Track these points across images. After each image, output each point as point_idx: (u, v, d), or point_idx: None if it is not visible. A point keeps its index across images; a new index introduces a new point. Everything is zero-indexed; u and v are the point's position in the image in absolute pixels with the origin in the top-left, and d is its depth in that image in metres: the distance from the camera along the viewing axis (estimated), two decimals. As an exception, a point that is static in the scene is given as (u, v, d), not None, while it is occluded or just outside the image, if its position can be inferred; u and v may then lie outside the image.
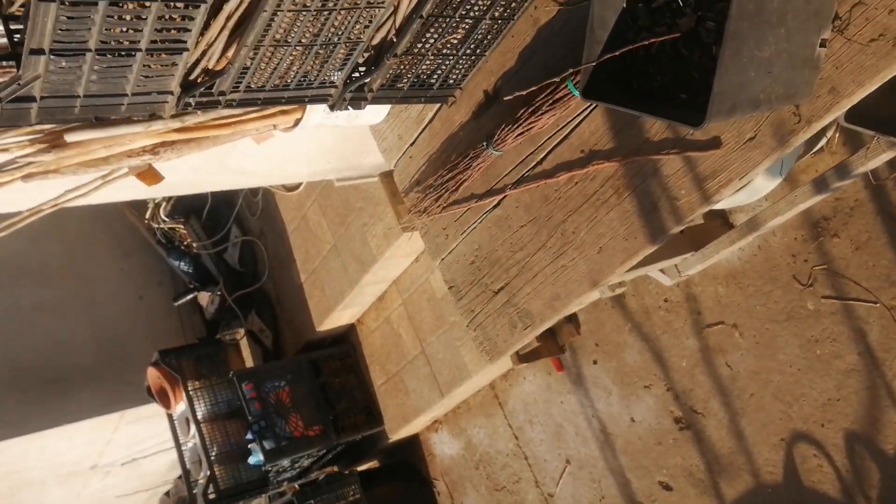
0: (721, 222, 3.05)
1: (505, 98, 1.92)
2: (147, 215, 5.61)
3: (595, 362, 3.64)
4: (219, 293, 5.49)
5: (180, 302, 5.61)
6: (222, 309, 5.53)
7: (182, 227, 5.59)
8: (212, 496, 4.33)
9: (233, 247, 5.50)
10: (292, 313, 5.09)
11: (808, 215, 2.73)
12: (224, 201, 5.54)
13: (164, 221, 5.52)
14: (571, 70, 1.74)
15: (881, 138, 2.08)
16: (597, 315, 3.60)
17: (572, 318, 3.72)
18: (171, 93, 1.60)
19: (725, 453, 3.09)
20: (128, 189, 2.45)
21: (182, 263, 5.55)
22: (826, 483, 2.75)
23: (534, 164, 1.99)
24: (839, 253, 2.66)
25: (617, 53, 1.24)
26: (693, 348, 3.17)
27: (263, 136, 2.32)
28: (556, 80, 1.75)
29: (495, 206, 2.12)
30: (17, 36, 1.52)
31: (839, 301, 2.67)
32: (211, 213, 5.62)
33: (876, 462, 2.60)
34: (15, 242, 2.06)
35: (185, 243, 5.63)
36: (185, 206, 5.60)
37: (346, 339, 5.11)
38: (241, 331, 5.41)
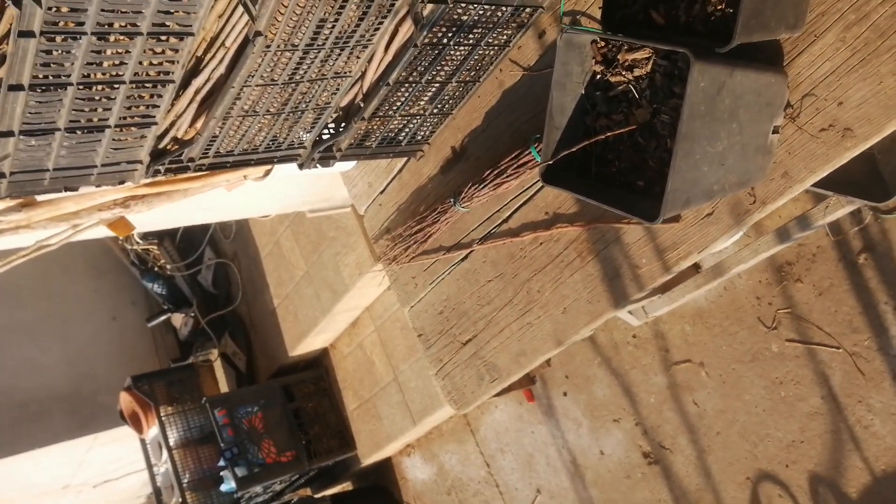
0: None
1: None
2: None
3: (565, 394, 3.67)
4: (192, 315, 5.48)
5: (154, 323, 5.59)
6: (196, 330, 5.51)
7: (156, 248, 5.57)
8: (183, 523, 4.33)
9: (206, 269, 5.49)
10: (266, 337, 5.09)
11: (773, 259, 2.78)
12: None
13: (137, 243, 5.50)
14: (535, 136, 1.77)
15: (839, 197, 2.14)
16: (567, 348, 3.63)
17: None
18: (141, 162, 1.61)
19: (693, 489, 3.14)
20: (99, 231, 2.46)
21: (156, 285, 5.53)
22: (788, 523, 2.81)
23: (500, 221, 2.02)
24: (802, 297, 2.72)
25: (574, 150, 1.27)
26: (661, 385, 3.21)
27: (234, 184, 2.34)
28: (521, 149, 1.78)
29: (463, 260, 2.15)
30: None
31: (802, 345, 2.73)
32: (185, 235, 5.61)
33: (836, 504, 2.66)
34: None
35: (159, 264, 5.61)
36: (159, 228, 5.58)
37: (319, 362, 5.11)
38: (215, 352, 5.40)
